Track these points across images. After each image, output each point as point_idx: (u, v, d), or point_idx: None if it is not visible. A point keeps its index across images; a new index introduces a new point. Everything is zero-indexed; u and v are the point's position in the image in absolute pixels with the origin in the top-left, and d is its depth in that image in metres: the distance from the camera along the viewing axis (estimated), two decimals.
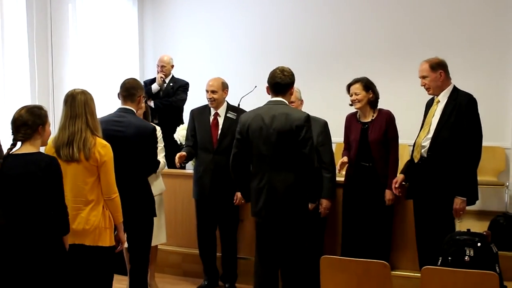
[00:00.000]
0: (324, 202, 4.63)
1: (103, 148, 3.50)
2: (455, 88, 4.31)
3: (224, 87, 4.97)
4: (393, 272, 4.10)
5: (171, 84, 6.51)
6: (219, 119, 4.97)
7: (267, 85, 4.16)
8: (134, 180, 4.04)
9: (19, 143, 3.28)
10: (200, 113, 5.08)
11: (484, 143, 4.23)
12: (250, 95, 5.71)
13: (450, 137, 4.17)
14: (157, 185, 4.71)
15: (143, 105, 4.47)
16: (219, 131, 4.92)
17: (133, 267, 4.26)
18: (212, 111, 5.00)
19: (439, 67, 4.29)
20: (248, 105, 5.44)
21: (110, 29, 7.40)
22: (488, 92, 6.33)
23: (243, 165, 4.19)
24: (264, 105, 4.14)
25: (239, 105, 5.45)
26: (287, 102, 4.12)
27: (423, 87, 4.39)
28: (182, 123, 6.21)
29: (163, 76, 6.51)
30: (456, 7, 6.74)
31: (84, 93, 3.57)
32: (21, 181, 3.14)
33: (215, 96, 4.91)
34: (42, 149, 3.40)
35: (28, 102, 5.92)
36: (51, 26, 6.32)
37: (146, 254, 4.25)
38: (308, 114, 4.03)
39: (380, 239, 4.59)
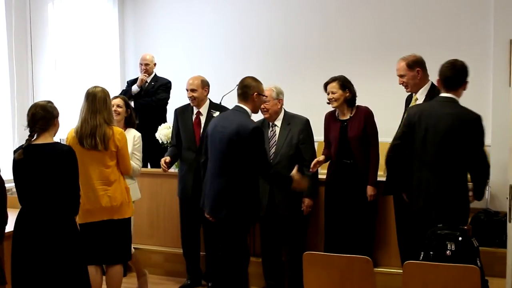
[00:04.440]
0: (306, 201, 4.64)
1: (119, 135, 4.11)
2: (433, 85, 4.32)
3: (204, 84, 4.95)
4: (376, 269, 4.11)
5: (152, 83, 6.46)
6: (201, 118, 4.95)
7: (437, 78, 3.92)
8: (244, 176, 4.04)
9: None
10: (182, 112, 5.07)
11: None
12: (233, 92, 5.68)
13: None
14: (133, 193, 4.53)
15: (118, 110, 4.64)
16: (202, 130, 4.90)
17: None
18: (195, 110, 4.98)
19: (416, 65, 4.30)
20: (230, 103, 5.44)
21: (90, 29, 7.34)
22: (468, 90, 6.20)
23: (401, 158, 3.99)
24: (433, 100, 3.97)
25: (220, 103, 5.43)
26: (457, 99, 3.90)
27: (401, 85, 4.41)
28: (166, 122, 6.17)
29: (145, 76, 6.44)
30: (434, 7, 6.78)
31: (104, 91, 4.14)
32: (42, 168, 3.53)
33: (195, 94, 4.89)
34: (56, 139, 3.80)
35: (8, 102, 5.89)
36: (30, 25, 6.25)
37: None
38: (479, 115, 3.80)
39: (363, 236, 4.61)
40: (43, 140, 3.63)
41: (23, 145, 3.64)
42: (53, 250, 3.57)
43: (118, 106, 4.68)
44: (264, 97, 4.33)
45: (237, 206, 4.00)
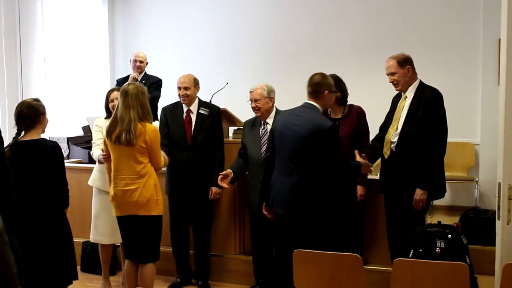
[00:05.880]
0: None
1: (152, 132, 4.11)
2: (421, 83, 4.34)
3: (196, 83, 4.95)
4: (366, 267, 4.12)
5: (143, 81, 6.42)
6: (192, 116, 4.94)
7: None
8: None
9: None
10: (172, 111, 5.04)
11: (454, 139, 4.28)
12: (222, 91, 5.71)
13: (416, 132, 4.19)
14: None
15: None
16: (193, 128, 4.90)
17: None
18: (185, 108, 4.97)
19: (406, 63, 4.32)
20: (219, 102, 5.46)
21: (80, 27, 7.33)
22: (458, 89, 6.42)
23: None
24: None
25: (210, 101, 5.43)
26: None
27: (391, 83, 4.42)
28: (157, 119, 6.16)
29: (137, 75, 6.41)
30: (425, 7, 6.82)
31: (137, 88, 4.15)
32: (29, 164, 3.64)
33: (188, 92, 4.88)
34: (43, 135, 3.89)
35: None
36: (19, 23, 6.24)
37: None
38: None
39: (353, 234, 4.61)
40: (29, 137, 3.73)
41: (10, 142, 3.71)
42: (42, 244, 3.68)
43: (117, 99, 4.67)
44: (333, 93, 4.21)
45: (314, 204, 3.92)
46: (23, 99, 5.95)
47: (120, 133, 4.06)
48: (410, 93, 4.32)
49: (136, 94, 4.11)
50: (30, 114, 3.72)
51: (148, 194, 4.13)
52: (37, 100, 3.82)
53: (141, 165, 4.12)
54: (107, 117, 4.85)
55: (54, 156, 3.72)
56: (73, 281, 4.09)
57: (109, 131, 4.12)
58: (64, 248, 3.87)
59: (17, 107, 3.76)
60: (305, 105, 4.03)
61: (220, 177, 4.63)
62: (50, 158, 3.70)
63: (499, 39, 3.44)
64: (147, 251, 4.24)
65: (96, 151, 4.70)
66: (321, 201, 3.91)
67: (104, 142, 4.26)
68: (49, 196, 3.72)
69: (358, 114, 4.60)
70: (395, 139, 4.30)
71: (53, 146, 3.76)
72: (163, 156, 4.36)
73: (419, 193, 4.18)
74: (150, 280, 4.26)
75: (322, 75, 4.07)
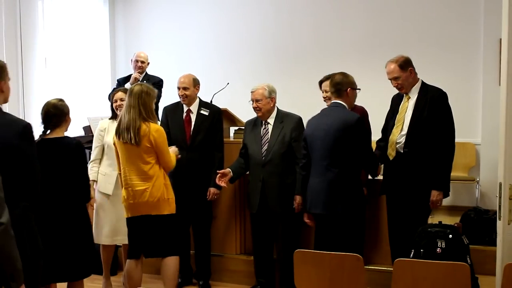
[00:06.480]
0: (298, 198, 4.62)
1: (156, 132, 4.13)
2: (423, 83, 4.34)
3: (196, 83, 4.95)
4: (367, 266, 4.11)
5: (144, 81, 6.40)
6: (191, 116, 4.95)
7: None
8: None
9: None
10: (172, 110, 5.05)
11: (455, 139, 4.27)
12: (223, 91, 5.70)
13: (425, 131, 4.19)
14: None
15: (123, 104, 4.58)
16: (192, 128, 4.91)
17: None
18: (185, 108, 4.97)
19: (407, 65, 4.30)
20: (220, 102, 5.45)
21: (81, 27, 7.32)
22: (459, 89, 6.39)
23: None
24: None
25: (211, 101, 5.43)
26: None
27: (395, 87, 4.40)
28: (158, 119, 6.15)
29: (138, 75, 6.39)
30: (425, 7, 6.81)
31: (141, 87, 4.19)
32: (55, 160, 3.81)
33: (187, 92, 4.89)
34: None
35: None
36: (20, 23, 6.23)
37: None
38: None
39: (354, 234, 4.60)
40: (55, 134, 3.94)
41: (37, 140, 3.81)
42: (65, 237, 3.85)
43: (121, 100, 4.76)
44: (357, 91, 4.31)
45: (351, 199, 4.03)
46: (24, 99, 6.04)
47: (123, 132, 4.12)
48: (413, 94, 4.31)
49: (139, 94, 4.13)
50: (56, 113, 3.93)
51: (158, 194, 4.16)
52: (62, 100, 4.02)
53: (148, 165, 4.15)
54: (111, 118, 4.88)
55: (77, 153, 3.93)
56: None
57: (116, 131, 4.19)
58: (86, 240, 4.02)
59: (43, 107, 3.97)
60: (332, 105, 4.17)
61: (218, 175, 4.64)
62: (74, 155, 3.90)
63: (500, 39, 3.44)
64: (165, 246, 4.27)
65: (93, 171, 4.81)
66: (356, 196, 4.04)
67: (114, 143, 4.30)
68: (73, 190, 3.92)
69: (361, 115, 4.59)
70: (401, 139, 4.29)
71: (76, 143, 3.97)
72: (174, 153, 4.41)
73: (435, 194, 4.19)
74: (174, 272, 4.31)
75: (342, 74, 4.21)
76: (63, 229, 3.88)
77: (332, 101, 4.19)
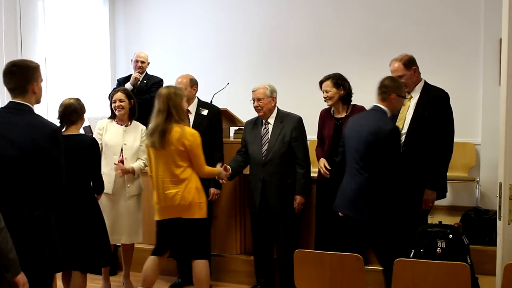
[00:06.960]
0: (298, 198, 4.63)
1: (191, 136, 4.14)
2: (426, 83, 4.33)
3: (193, 83, 4.94)
4: (367, 267, 4.10)
5: (144, 81, 6.40)
6: (190, 116, 4.93)
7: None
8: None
9: None
10: None
11: (455, 139, 4.26)
12: (223, 91, 5.71)
13: (424, 131, 4.18)
14: (137, 185, 4.85)
15: (122, 105, 4.81)
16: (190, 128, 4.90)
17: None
18: None
19: (411, 63, 4.29)
20: (220, 102, 5.46)
21: (81, 27, 7.32)
22: (459, 89, 6.38)
23: None
24: None
25: (211, 101, 5.42)
26: None
27: None
28: None
29: (139, 75, 6.37)
30: (426, 6, 6.81)
31: (169, 89, 4.22)
32: (71, 155, 3.77)
33: None
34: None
35: None
36: (20, 23, 6.23)
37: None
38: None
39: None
40: (71, 131, 4.12)
41: None
42: (80, 230, 4.01)
43: (120, 100, 4.81)
44: (402, 98, 4.15)
45: (379, 206, 3.90)
46: None
47: (149, 136, 4.21)
48: (415, 93, 4.30)
49: (167, 96, 4.15)
50: (73, 112, 4.12)
51: (190, 198, 4.17)
52: (78, 100, 4.21)
53: (180, 168, 4.16)
54: (110, 118, 4.89)
55: (92, 148, 4.13)
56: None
57: (148, 135, 4.26)
58: (101, 233, 4.20)
59: (61, 105, 4.15)
60: (373, 108, 4.08)
61: (224, 165, 4.59)
62: (89, 150, 4.10)
63: (500, 39, 3.43)
64: (195, 249, 4.31)
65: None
66: (384, 201, 3.89)
67: (146, 145, 4.35)
68: (87, 183, 4.15)
69: None
70: (401, 138, 4.28)
71: (91, 140, 4.21)
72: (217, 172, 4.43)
73: (428, 193, 4.19)
74: (206, 275, 4.33)
75: (392, 78, 4.11)
76: (78, 222, 4.03)
77: (374, 104, 4.08)
